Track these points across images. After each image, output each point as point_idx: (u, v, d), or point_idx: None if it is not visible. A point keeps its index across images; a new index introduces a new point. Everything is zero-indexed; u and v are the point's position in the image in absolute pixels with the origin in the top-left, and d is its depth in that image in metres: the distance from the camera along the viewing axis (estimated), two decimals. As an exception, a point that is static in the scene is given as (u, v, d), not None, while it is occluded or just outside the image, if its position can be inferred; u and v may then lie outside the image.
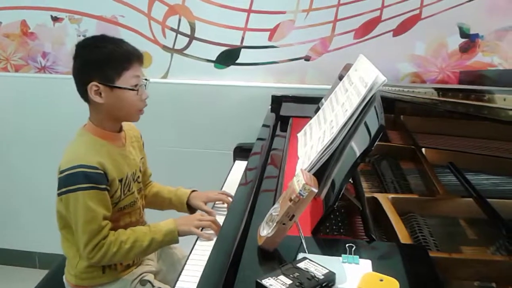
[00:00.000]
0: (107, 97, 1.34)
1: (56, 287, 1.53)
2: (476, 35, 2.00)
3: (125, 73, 1.34)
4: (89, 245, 1.31)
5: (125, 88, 1.34)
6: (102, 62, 1.33)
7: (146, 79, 1.40)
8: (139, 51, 1.39)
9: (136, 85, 1.36)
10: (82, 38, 2.23)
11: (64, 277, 1.50)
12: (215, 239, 1.25)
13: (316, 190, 0.91)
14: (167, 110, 2.30)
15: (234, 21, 2.15)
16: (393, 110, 1.89)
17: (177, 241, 1.43)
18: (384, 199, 1.23)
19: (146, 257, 1.56)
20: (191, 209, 1.63)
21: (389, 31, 2.06)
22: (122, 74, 1.34)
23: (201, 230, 1.43)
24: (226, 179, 1.83)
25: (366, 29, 2.07)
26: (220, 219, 1.39)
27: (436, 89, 1.29)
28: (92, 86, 1.32)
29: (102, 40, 1.37)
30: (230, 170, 1.93)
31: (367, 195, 1.25)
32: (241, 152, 2.02)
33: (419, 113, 1.82)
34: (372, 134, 1.02)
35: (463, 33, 2.01)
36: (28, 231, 2.68)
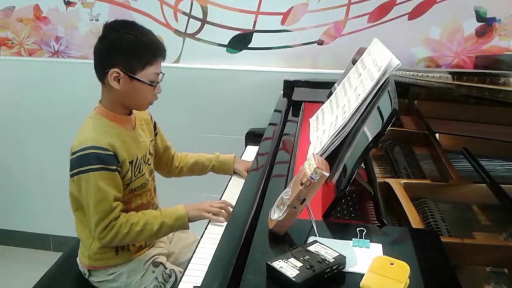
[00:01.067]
0: (124, 85, 1.34)
1: (70, 269, 1.55)
2: (493, 19, 1.96)
3: (148, 67, 1.35)
4: (100, 225, 1.32)
5: (144, 82, 1.35)
6: (130, 51, 1.33)
7: (162, 73, 1.40)
8: (164, 46, 1.40)
9: (154, 81, 1.37)
10: (95, 22, 2.29)
11: (77, 258, 1.53)
12: (225, 223, 1.25)
13: (327, 174, 0.91)
14: (179, 95, 2.30)
15: (247, 5, 2.13)
16: (407, 95, 1.87)
17: (187, 227, 1.44)
18: (397, 184, 1.22)
19: (158, 240, 1.58)
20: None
21: (404, 15, 2.02)
22: (146, 68, 1.35)
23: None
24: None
25: (380, 13, 2.04)
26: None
27: (450, 73, 1.27)
28: (113, 72, 1.32)
29: (133, 28, 1.37)
30: (242, 155, 1.93)
31: (379, 180, 1.25)
32: (253, 137, 2.02)
33: (433, 98, 1.80)
34: (385, 118, 1.01)
35: (480, 17, 1.97)
36: (42, 214, 2.72)
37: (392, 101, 1.04)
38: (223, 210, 1.45)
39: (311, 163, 0.93)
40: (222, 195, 1.62)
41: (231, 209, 1.39)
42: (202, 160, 1.77)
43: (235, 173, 1.77)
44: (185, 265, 1.25)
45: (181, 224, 1.43)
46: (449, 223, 1.13)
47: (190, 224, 1.45)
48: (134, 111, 1.48)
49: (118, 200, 1.36)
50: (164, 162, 1.69)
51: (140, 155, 1.45)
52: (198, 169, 1.78)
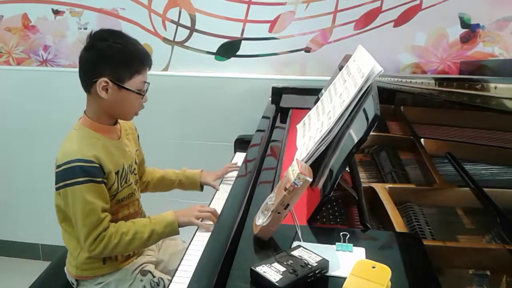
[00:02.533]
0: (112, 95, 1.34)
1: (58, 279, 1.54)
2: (477, 25, 1.99)
3: (136, 76, 1.35)
4: (89, 238, 1.32)
5: (132, 91, 1.35)
6: (118, 60, 1.33)
7: (148, 82, 1.40)
8: (150, 56, 1.40)
9: (141, 90, 1.38)
10: (83, 31, 2.30)
11: (65, 268, 1.52)
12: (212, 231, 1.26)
13: (310, 180, 0.92)
14: (167, 103, 2.31)
15: (235, 13, 2.15)
16: (393, 101, 1.89)
17: (177, 232, 1.44)
18: (381, 189, 1.23)
19: (147, 248, 1.57)
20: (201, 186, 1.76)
21: (390, 22, 2.05)
22: (134, 77, 1.35)
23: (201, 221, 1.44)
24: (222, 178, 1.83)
25: (366, 20, 2.07)
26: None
27: (434, 79, 1.29)
28: (102, 82, 1.32)
29: (120, 37, 1.36)
30: (231, 161, 1.93)
31: (364, 185, 1.26)
32: (242, 143, 2.02)
33: (419, 103, 1.82)
34: (368, 123, 1.02)
35: (464, 23, 2.00)
36: (31, 223, 2.70)
37: (375, 107, 1.05)
38: (213, 216, 1.44)
39: (295, 168, 0.94)
40: (210, 202, 1.62)
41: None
42: (169, 175, 1.75)
43: (203, 188, 1.77)
44: (173, 273, 1.25)
45: (171, 230, 1.42)
46: (434, 227, 1.14)
47: (179, 230, 1.45)
48: (119, 121, 1.48)
49: (106, 211, 1.35)
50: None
51: (126, 165, 1.45)
52: (164, 184, 1.76)
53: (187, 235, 1.44)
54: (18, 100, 2.49)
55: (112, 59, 1.33)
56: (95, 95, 1.35)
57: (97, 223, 1.31)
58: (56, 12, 2.31)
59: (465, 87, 0.99)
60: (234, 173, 1.67)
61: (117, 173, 1.40)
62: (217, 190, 1.71)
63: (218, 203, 1.57)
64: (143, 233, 1.38)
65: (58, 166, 1.32)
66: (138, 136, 1.62)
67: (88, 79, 1.35)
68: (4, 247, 2.78)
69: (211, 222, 1.44)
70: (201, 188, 1.77)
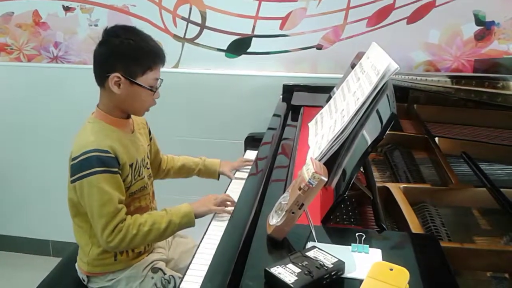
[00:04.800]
0: (124, 90, 1.34)
1: (69, 275, 1.54)
2: (492, 23, 1.96)
3: (149, 72, 1.36)
4: (107, 229, 1.31)
5: (144, 87, 1.35)
6: (131, 56, 1.34)
7: (161, 79, 1.40)
8: (164, 52, 1.40)
9: (153, 87, 1.38)
10: (94, 27, 2.29)
11: (76, 264, 1.52)
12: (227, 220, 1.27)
13: (325, 179, 0.90)
14: (178, 100, 2.30)
15: (245, 10, 2.14)
16: (407, 99, 1.87)
17: (193, 224, 1.44)
18: (396, 189, 1.22)
19: (157, 245, 1.57)
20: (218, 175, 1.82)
21: (403, 19, 2.03)
22: (146, 73, 1.35)
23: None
24: (235, 172, 1.83)
25: (379, 17, 2.04)
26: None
27: (449, 76, 1.26)
28: (114, 77, 1.32)
29: (133, 33, 1.37)
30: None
31: (378, 184, 1.24)
32: (253, 141, 2.02)
33: (433, 102, 1.79)
34: (384, 122, 1.00)
35: (479, 21, 1.97)
36: (41, 220, 2.71)
37: (391, 105, 1.04)
38: (228, 202, 1.48)
39: (309, 168, 0.92)
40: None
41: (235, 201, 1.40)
42: (189, 164, 1.80)
43: (219, 176, 1.82)
44: (184, 271, 1.24)
45: (188, 221, 1.42)
46: (449, 228, 1.12)
47: (189, 229, 1.45)
48: (132, 115, 1.48)
49: (122, 203, 1.35)
50: (153, 166, 1.68)
51: (140, 159, 1.45)
52: (184, 172, 1.81)
53: (198, 233, 1.43)
54: (29, 97, 2.49)
55: (124, 55, 1.34)
56: (108, 89, 1.36)
57: (114, 214, 1.31)
58: (66, 9, 2.31)
59: (485, 85, 0.97)
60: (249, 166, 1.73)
61: (131, 165, 1.40)
62: (231, 179, 1.76)
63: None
64: (160, 224, 1.38)
65: (74, 159, 1.32)
66: (149, 131, 1.62)
67: (101, 74, 1.36)
68: (15, 243, 2.79)
69: (228, 209, 1.47)
70: (218, 177, 1.82)
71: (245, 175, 1.60)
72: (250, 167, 1.69)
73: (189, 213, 1.42)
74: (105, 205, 1.30)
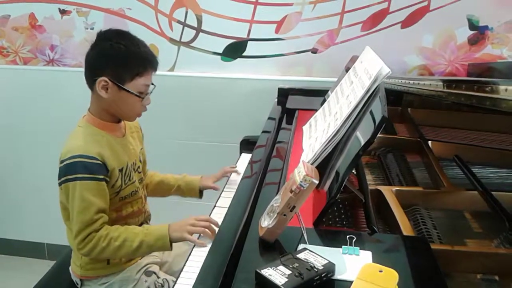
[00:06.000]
0: (112, 94, 1.34)
1: (62, 278, 1.54)
2: (486, 27, 1.97)
3: (138, 79, 1.35)
4: (79, 236, 1.30)
5: (132, 93, 1.35)
6: (119, 61, 1.33)
7: (153, 84, 1.40)
8: (157, 59, 1.39)
9: (142, 93, 1.37)
10: (90, 30, 2.30)
11: (70, 268, 1.52)
12: (209, 245, 1.19)
13: (316, 182, 0.91)
14: (173, 103, 2.30)
15: (241, 14, 2.15)
16: (401, 102, 1.88)
17: (169, 248, 1.36)
18: (388, 192, 1.22)
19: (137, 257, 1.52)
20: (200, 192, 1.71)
21: (397, 23, 2.04)
22: (134, 79, 1.34)
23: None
24: (227, 181, 1.82)
25: (374, 21, 2.05)
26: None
27: (442, 81, 1.27)
28: (102, 81, 1.32)
29: (124, 37, 1.36)
30: (236, 163, 1.93)
31: (371, 187, 1.25)
32: (248, 144, 2.01)
33: (426, 105, 1.81)
34: (375, 125, 1.01)
35: (472, 25, 1.98)
36: (36, 222, 2.71)
37: (382, 108, 1.04)
38: (207, 230, 1.32)
39: (301, 170, 0.93)
40: (216, 202, 1.61)
41: (216, 229, 1.31)
42: (168, 180, 1.71)
43: (202, 194, 1.72)
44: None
45: (162, 244, 1.35)
46: (441, 231, 1.13)
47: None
48: (123, 119, 1.48)
49: (103, 211, 1.33)
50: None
51: (130, 163, 1.45)
52: (162, 189, 1.71)
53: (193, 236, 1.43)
54: (25, 99, 2.49)
55: (113, 59, 1.33)
56: (97, 93, 1.35)
57: (88, 223, 1.30)
58: (63, 12, 2.32)
59: (474, 89, 0.98)
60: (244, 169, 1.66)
61: (120, 170, 1.40)
62: (217, 190, 1.67)
63: (224, 202, 1.56)
64: (132, 242, 1.33)
65: (61, 162, 1.33)
66: (142, 136, 1.61)
67: (90, 77, 1.36)
68: (10, 246, 2.79)
69: (204, 242, 1.32)
70: (200, 195, 1.71)
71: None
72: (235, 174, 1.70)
73: (164, 236, 1.35)
74: (82, 212, 1.30)
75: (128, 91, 1.34)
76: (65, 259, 1.58)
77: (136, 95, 1.35)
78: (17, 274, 2.59)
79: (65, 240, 1.49)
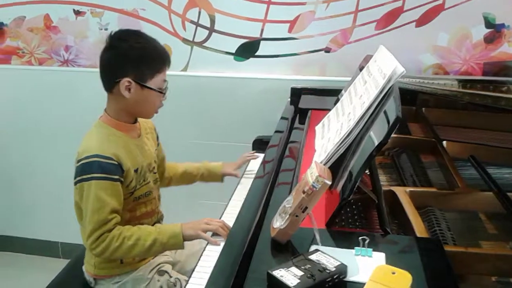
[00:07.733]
0: (134, 94, 1.35)
1: (76, 277, 1.55)
2: (502, 25, 1.94)
3: (158, 75, 1.37)
4: (92, 236, 1.31)
5: (154, 90, 1.36)
6: (140, 60, 1.35)
7: (167, 81, 1.41)
8: (169, 54, 1.41)
9: (162, 88, 1.39)
10: (104, 31, 2.31)
11: (83, 267, 1.53)
12: (223, 244, 1.20)
13: (329, 182, 0.90)
14: (187, 103, 2.31)
15: (254, 13, 2.14)
16: (415, 102, 1.85)
17: (181, 246, 1.38)
18: (402, 193, 1.21)
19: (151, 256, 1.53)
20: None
21: (412, 22, 2.02)
22: (155, 76, 1.36)
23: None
24: (244, 171, 1.84)
25: (387, 20, 2.03)
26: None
27: (457, 80, 1.26)
28: (125, 82, 1.33)
29: (140, 37, 1.38)
30: (249, 162, 1.93)
31: (384, 188, 1.24)
32: (261, 144, 2.01)
33: (441, 105, 1.78)
34: (389, 126, 1.00)
35: (488, 23, 1.95)
36: (51, 221, 2.73)
37: (396, 108, 1.03)
38: (221, 229, 1.35)
39: (313, 171, 0.92)
40: (229, 202, 1.62)
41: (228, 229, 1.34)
42: (191, 170, 1.78)
43: (223, 179, 1.81)
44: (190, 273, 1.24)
45: (175, 242, 1.37)
46: (455, 232, 1.11)
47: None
48: (139, 120, 1.49)
49: (117, 212, 1.34)
50: (158, 173, 1.65)
51: (145, 163, 1.46)
52: (186, 178, 1.79)
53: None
54: (40, 100, 2.52)
55: (134, 59, 1.34)
56: (117, 94, 1.36)
57: (102, 223, 1.31)
58: (77, 13, 2.34)
59: (490, 89, 0.96)
60: (255, 167, 1.71)
61: (136, 170, 1.41)
62: (238, 177, 1.77)
63: (236, 205, 1.56)
64: (145, 241, 1.34)
65: (77, 161, 1.34)
66: (157, 136, 1.62)
67: (110, 79, 1.36)
68: (24, 244, 2.82)
69: (218, 240, 1.35)
70: (222, 180, 1.81)
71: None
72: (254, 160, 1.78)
73: (177, 234, 1.36)
74: (96, 212, 1.30)
75: (151, 88, 1.36)
76: (79, 258, 1.59)
77: (158, 91, 1.38)
78: (32, 273, 2.62)
79: (79, 239, 1.50)
